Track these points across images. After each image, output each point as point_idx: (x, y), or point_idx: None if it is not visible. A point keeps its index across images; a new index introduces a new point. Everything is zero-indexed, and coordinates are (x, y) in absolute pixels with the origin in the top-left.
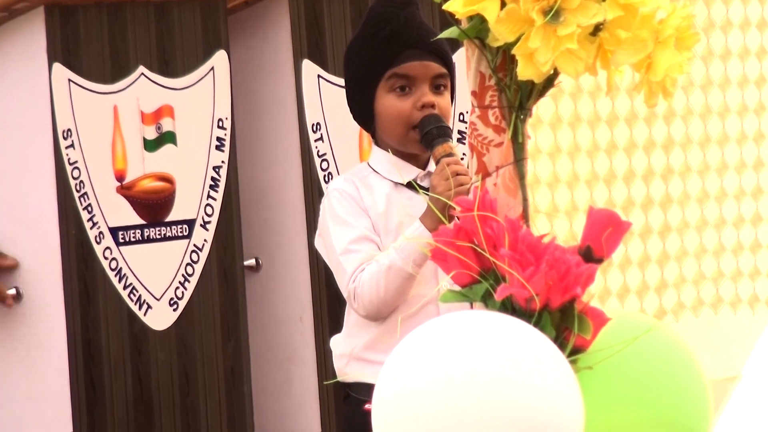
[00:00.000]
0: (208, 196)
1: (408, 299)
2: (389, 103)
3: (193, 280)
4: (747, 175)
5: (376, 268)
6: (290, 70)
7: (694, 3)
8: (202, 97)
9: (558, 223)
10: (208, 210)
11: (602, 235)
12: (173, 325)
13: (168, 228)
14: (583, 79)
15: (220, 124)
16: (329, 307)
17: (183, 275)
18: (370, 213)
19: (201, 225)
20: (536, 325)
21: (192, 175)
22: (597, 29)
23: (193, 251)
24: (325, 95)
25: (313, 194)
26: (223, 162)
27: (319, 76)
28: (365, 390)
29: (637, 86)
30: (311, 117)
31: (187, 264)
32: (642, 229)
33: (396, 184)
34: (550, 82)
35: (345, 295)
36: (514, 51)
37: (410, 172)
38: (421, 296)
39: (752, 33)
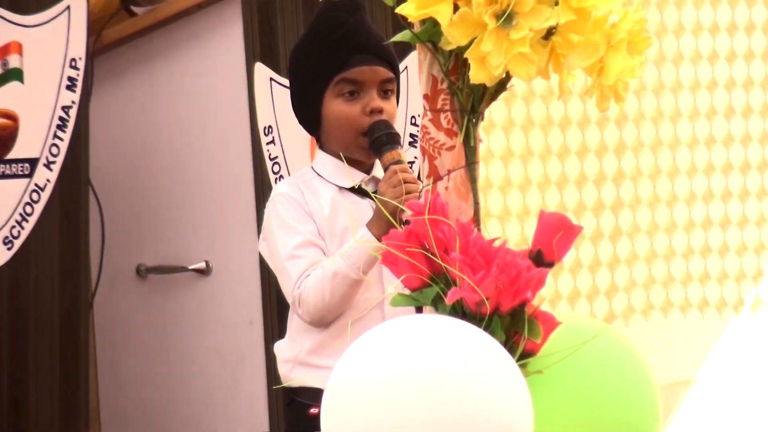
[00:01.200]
0: (55, 136)
1: (353, 303)
2: (338, 108)
3: (32, 220)
4: (698, 179)
5: (321, 274)
6: (242, 72)
7: (646, 7)
8: (54, 35)
9: (509, 227)
10: (54, 150)
11: (553, 239)
12: (7, 264)
13: (8, 166)
14: (536, 83)
15: (73, 63)
16: (279, 311)
17: (21, 214)
18: (315, 217)
19: (45, 165)
20: (486, 329)
21: (38, 113)
22: (549, 33)
23: (33, 191)
24: (277, 98)
25: (264, 197)
26: (73, 102)
27: (271, 79)
28: (310, 394)
29: (590, 90)
30: (263, 120)
31: (26, 203)
32: (593, 233)
33: (341, 188)
34: (502, 85)
35: (289, 300)
36: (466, 54)
37: (355, 176)
38: (367, 300)
39: (705, 37)
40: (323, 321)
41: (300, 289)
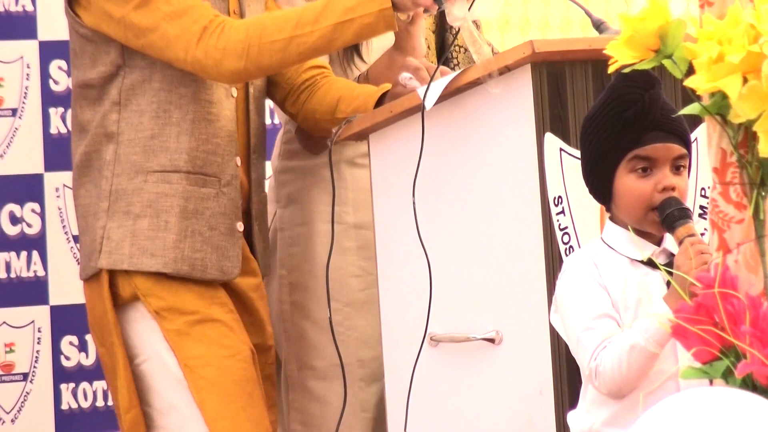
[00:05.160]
0: None
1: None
2: (630, 185)
3: None
4: None
5: (618, 346)
6: (532, 143)
7: None
8: None
9: None
10: None
11: None
12: None
13: None
14: None
15: None
16: (569, 381)
17: None
18: (608, 290)
19: None
20: None
21: None
22: None
23: None
24: (567, 169)
25: (554, 267)
26: None
27: (561, 149)
28: None
29: None
30: (553, 190)
31: None
32: None
33: (632, 260)
34: None
35: (585, 372)
36: (755, 128)
37: (647, 248)
38: (661, 372)
39: None
40: (620, 393)
41: (596, 361)
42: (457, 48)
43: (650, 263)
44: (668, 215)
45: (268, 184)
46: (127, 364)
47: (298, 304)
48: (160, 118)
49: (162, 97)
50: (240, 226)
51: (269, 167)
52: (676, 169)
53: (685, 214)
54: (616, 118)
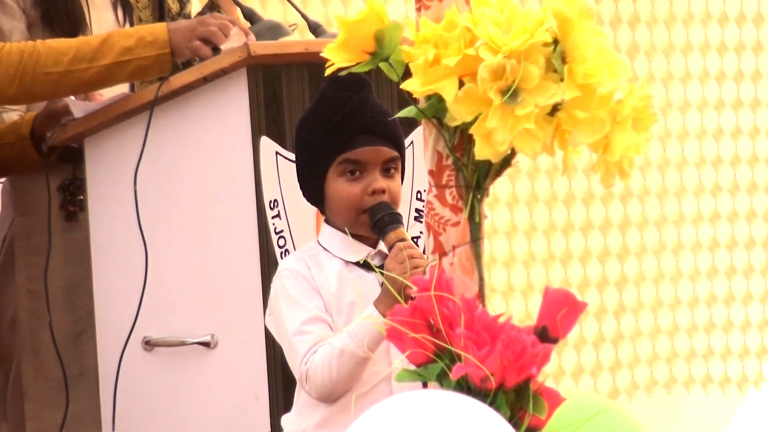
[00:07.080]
0: None
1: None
2: (339, 188)
3: None
4: (703, 255)
5: (328, 351)
6: (248, 146)
7: (651, 83)
8: None
9: (514, 303)
10: None
11: (558, 315)
12: None
13: None
14: (540, 159)
15: None
16: (285, 385)
17: None
18: (321, 292)
19: None
20: (491, 404)
21: None
22: (555, 109)
23: None
24: (283, 172)
25: (269, 271)
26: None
27: (277, 153)
28: None
29: (595, 166)
30: (268, 194)
31: None
32: (597, 308)
33: (347, 262)
34: (507, 161)
35: (297, 376)
36: (471, 131)
37: (361, 250)
38: (374, 374)
39: (710, 114)
40: (331, 397)
41: (307, 365)
42: None
43: (365, 265)
44: (378, 220)
45: (0, 189)
46: None
47: (37, 313)
48: None
49: None
50: None
51: None
52: (387, 171)
53: (395, 219)
54: (324, 122)
